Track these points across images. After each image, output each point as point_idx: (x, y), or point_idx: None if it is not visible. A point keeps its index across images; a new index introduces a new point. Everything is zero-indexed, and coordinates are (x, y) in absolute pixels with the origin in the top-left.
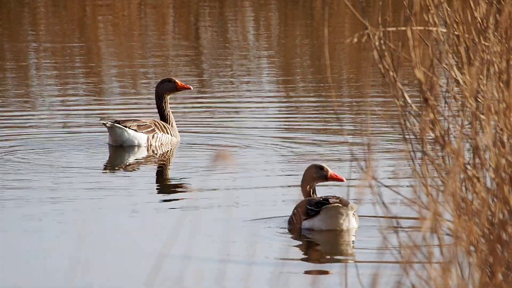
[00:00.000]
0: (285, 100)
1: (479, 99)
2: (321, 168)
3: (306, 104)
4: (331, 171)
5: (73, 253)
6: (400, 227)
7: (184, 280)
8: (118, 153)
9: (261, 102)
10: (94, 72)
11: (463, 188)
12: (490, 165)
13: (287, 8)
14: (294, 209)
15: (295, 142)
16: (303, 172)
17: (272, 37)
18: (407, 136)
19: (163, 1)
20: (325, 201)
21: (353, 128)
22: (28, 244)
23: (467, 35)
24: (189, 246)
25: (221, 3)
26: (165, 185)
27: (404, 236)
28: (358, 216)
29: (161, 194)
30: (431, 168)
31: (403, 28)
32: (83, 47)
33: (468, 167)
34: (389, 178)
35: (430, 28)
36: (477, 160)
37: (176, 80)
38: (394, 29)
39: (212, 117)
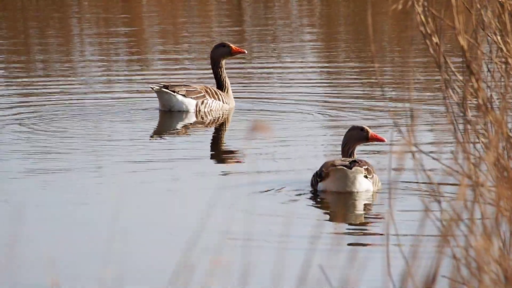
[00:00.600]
0: (327, 66)
1: None
2: (362, 129)
3: (347, 70)
4: (371, 132)
5: (111, 224)
6: (441, 196)
7: (220, 252)
8: (166, 118)
9: (303, 68)
10: (139, 41)
11: (505, 157)
12: None
13: None
14: (316, 171)
15: (337, 109)
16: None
17: (314, 4)
18: (449, 103)
19: None
20: (344, 164)
21: (396, 95)
22: (67, 214)
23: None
24: (224, 220)
25: None
26: (204, 155)
27: (446, 205)
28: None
29: (199, 164)
30: (473, 136)
31: None
32: (126, 18)
33: (511, 135)
34: (430, 145)
35: None
36: None
37: (230, 44)
38: None
39: (256, 83)
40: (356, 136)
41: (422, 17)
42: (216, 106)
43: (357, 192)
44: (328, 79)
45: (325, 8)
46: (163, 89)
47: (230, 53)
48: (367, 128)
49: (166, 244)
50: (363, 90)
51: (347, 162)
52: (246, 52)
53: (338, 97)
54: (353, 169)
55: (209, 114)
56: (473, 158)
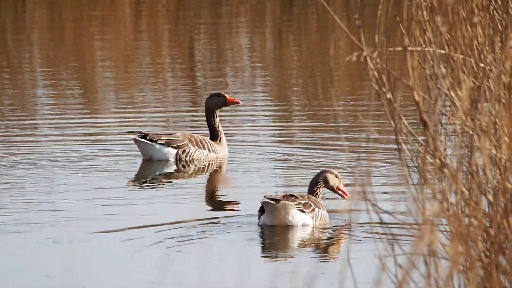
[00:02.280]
0: (279, 126)
1: (475, 120)
2: (337, 177)
3: (301, 128)
4: (341, 185)
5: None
6: (398, 248)
7: None
8: (145, 167)
9: (255, 116)
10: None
11: (460, 212)
12: (488, 188)
13: (282, 25)
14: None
15: (291, 161)
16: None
17: (267, 54)
18: (404, 159)
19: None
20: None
21: (352, 151)
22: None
23: (462, 56)
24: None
25: (216, 22)
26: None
27: (401, 258)
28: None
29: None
30: (428, 192)
31: (399, 49)
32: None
33: (465, 190)
34: (385, 200)
35: (426, 49)
36: (473, 183)
37: (225, 95)
38: (390, 49)
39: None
40: (328, 181)
41: (375, 73)
42: (198, 155)
43: (292, 226)
44: (280, 138)
45: (277, 57)
46: (139, 138)
47: (224, 103)
48: (340, 179)
49: None
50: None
51: (280, 196)
52: (240, 102)
53: (288, 143)
54: (280, 203)
55: (190, 163)
56: (428, 213)
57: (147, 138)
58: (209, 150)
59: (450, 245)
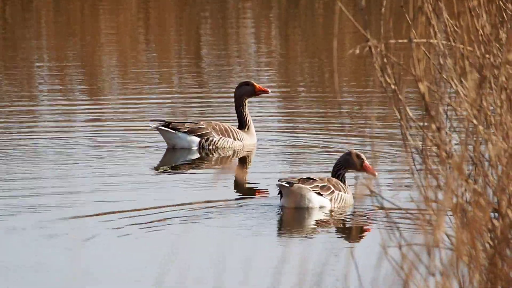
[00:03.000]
0: (285, 113)
1: (480, 112)
2: (358, 156)
3: (307, 116)
4: (366, 162)
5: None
6: (402, 239)
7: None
8: (168, 155)
9: (260, 113)
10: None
11: (465, 203)
12: (493, 178)
13: (288, 16)
14: None
15: (297, 152)
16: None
17: (273, 45)
18: (408, 149)
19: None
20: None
21: (358, 139)
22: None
23: (469, 48)
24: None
25: (223, 16)
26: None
27: (405, 249)
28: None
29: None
30: (433, 182)
31: (405, 41)
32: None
33: (471, 181)
34: (390, 189)
35: (432, 41)
36: (479, 174)
37: (254, 83)
38: (395, 41)
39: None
40: (351, 161)
41: (380, 64)
42: (222, 144)
43: (309, 208)
44: (286, 125)
45: (283, 48)
46: (161, 127)
47: (253, 92)
48: (364, 157)
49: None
50: (324, 134)
51: (296, 179)
52: (269, 91)
53: (297, 139)
54: (294, 186)
55: (214, 151)
56: (432, 203)
57: (170, 126)
58: (234, 138)
59: (455, 235)
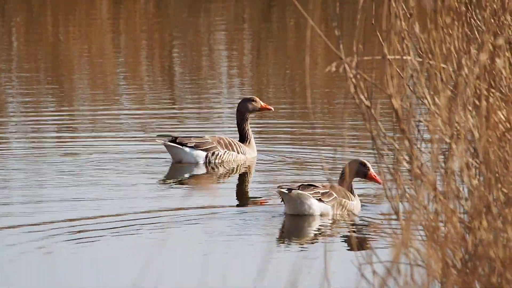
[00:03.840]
0: (258, 126)
1: (452, 128)
2: (364, 165)
3: (279, 131)
4: (372, 170)
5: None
6: (374, 255)
7: None
8: (175, 169)
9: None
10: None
11: (436, 219)
12: (463, 195)
13: (261, 35)
14: None
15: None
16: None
17: (245, 61)
18: (380, 165)
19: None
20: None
21: (331, 153)
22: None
23: (440, 65)
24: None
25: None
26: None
27: (379, 266)
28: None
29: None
30: (405, 199)
31: (378, 57)
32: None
33: (441, 197)
34: (362, 205)
35: (405, 57)
36: (449, 190)
37: (259, 100)
38: (369, 58)
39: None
40: (356, 170)
41: (354, 82)
42: (228, 157)
43: (310, 215)
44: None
45: (255, 64)
46: (169, 142)
47: (258, 109)
48: (369, 165)
49: None
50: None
51: (296, 186)
52: (273, 109)
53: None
54: (292, 192)
55: (220, 165)
56: (404, 219)
57: (177, 141)
58: (237, 152)
59: (426, 252)
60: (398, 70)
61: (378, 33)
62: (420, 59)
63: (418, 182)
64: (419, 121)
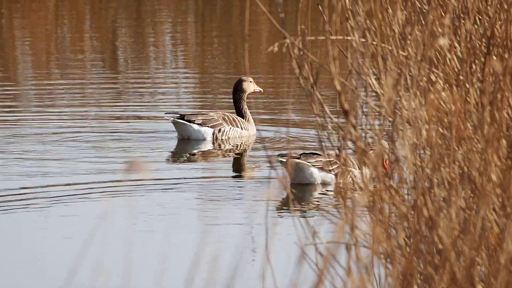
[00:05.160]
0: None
1: (397, 110)
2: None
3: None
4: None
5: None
6: (318, 238)
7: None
8: (182, 146)
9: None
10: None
11: (381, 200)
12: (408, 176)
13: (205, 14)
14: None
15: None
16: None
17: (190, 44)
18: (325, 147)
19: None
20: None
21: (273, 137)
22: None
23: (385, 45)
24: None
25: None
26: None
27: (322, 247)
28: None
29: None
30: (349, 179)
31: (322, 38)
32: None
33: (386, 178)
34: (305, 187)
35: (349, 38)
36: (395, 172)
37: (253, 82)
38: (312, 38)
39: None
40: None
41: (298, 62)
42: (233, 134)
43: (311, 183)
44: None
45: (199, 45)
46: (178, 119)
47: (251, 89)
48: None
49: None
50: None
51: (298, 154)
52: (262, 91)
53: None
54: (292, 161)
55: (226, 141)
56: (348, 201)
57: (184, 118)
58: (241, 128)
59: (370, 233)
60: (341, 50)
61: (322, 13)
62: (364, 40)
63: (362, 163)
64: (364, 102)
